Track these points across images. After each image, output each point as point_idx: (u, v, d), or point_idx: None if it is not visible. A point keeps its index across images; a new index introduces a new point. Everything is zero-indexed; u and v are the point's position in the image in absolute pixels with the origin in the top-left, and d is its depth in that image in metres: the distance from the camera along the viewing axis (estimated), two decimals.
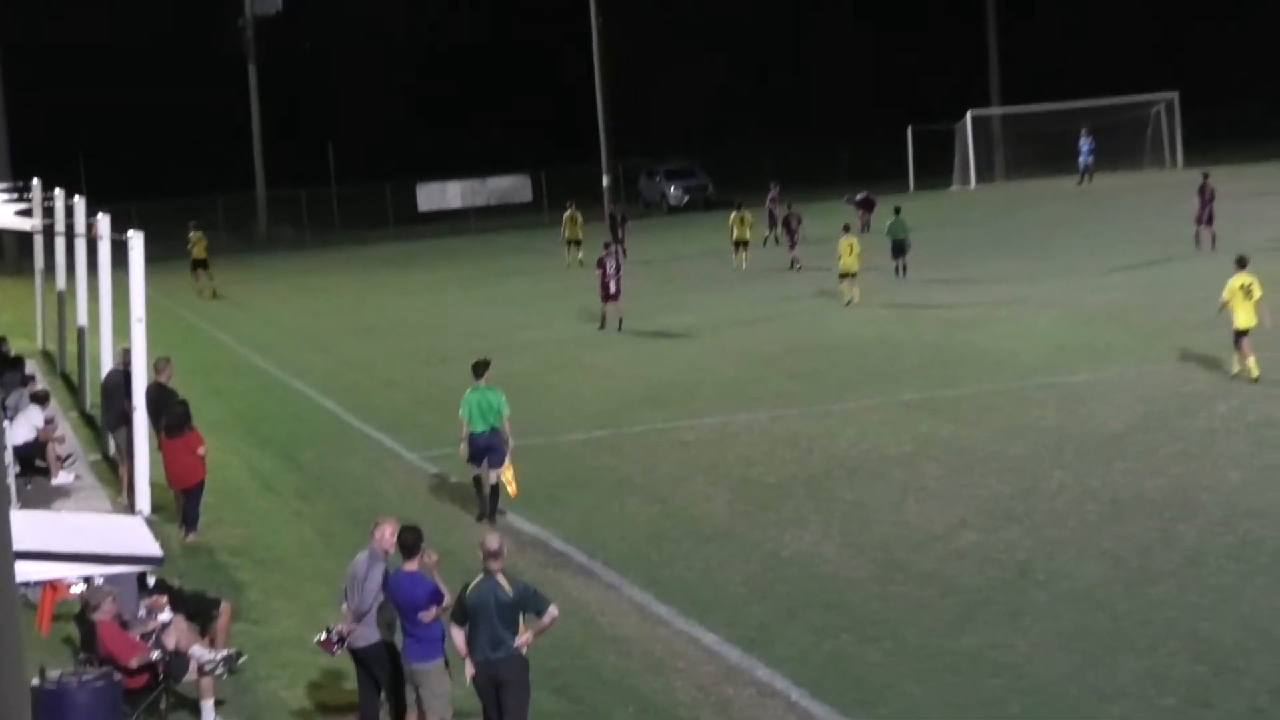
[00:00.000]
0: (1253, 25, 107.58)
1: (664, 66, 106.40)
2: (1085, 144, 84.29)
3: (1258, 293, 31.15)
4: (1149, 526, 22.16)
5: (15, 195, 47.23)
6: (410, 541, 16.14)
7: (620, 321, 44.42)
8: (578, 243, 63.53)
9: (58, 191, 43.66)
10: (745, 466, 27.52)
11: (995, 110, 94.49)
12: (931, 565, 21.28)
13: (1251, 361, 31.02)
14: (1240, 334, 31.13)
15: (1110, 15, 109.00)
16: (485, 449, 25.21)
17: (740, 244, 58.31)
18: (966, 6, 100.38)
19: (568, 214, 64.62)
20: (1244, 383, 30.80)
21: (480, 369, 25.48)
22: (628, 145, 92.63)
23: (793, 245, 57.70)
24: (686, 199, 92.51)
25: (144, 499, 25.64)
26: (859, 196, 67.58)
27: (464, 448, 25.38)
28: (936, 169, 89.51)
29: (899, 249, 50.66)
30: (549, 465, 28.79)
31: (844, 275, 46.39)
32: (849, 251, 46.29)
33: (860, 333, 40.81)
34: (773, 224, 65.47)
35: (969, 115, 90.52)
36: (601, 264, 45.12)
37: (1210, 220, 51.39)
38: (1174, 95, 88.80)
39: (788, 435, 29.68)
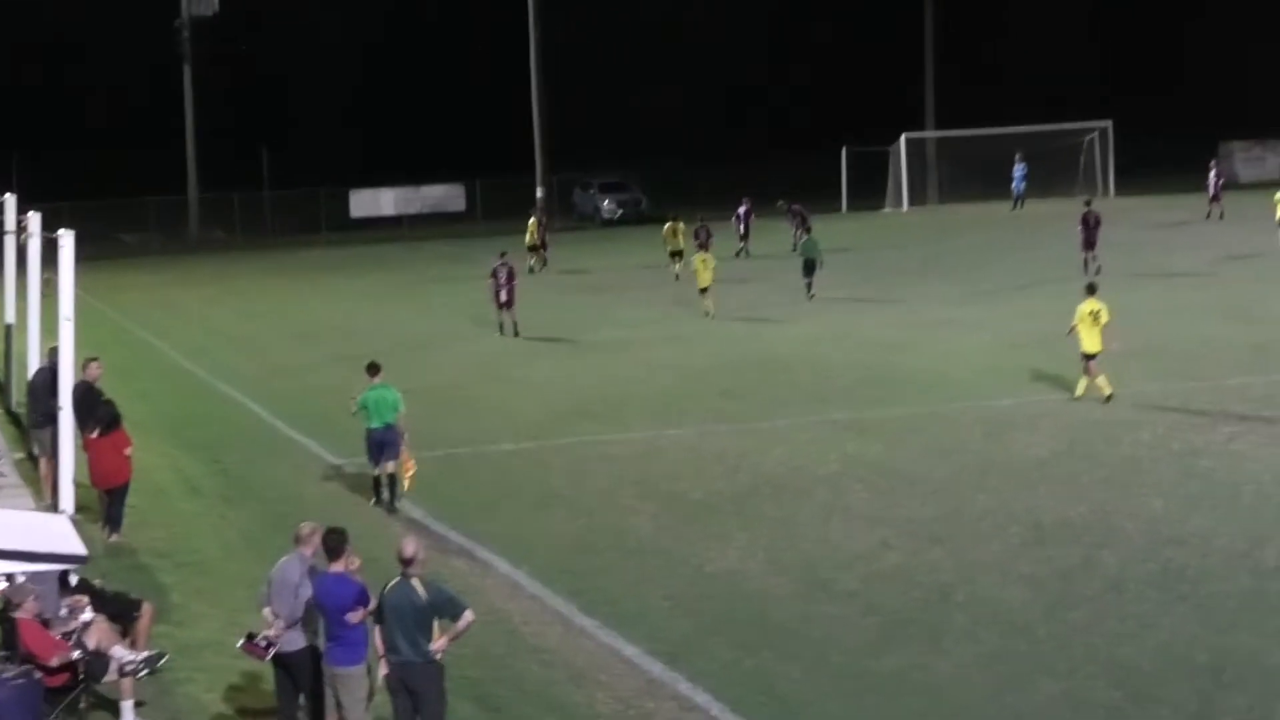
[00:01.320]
0: (1187, 59, 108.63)
1: (599, 80, 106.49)
2: (1019, 170, 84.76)
3: (1105, 318, 32.70)
4: (1071, 552, 22.32)
5: None
6: (335, 544, 16.13)
7: (515, 327, 45.97)
8: (535, 249, 64.96)
9: None
10: (672, 482, 27.59)
11: (929, 134, 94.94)
12: (854, 585, 21.39)
13: (1102, 380, 32.48)
14: (1087, 357, 32.63)
15: (1047, 43, 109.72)
16: (381, 444, 26.53)
17: (675, 254, 59.54)
18: (903, 29, 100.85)
19: (531, 221, 65.95)
20: (1107, 404, 31.50)
21: (374, 369, 27.16)
22: (562, 159, 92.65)
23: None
24: (620, 213, 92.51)
25: (68, 498, 25.52)
26: (796, 206, 67.55)
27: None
28: (870, 190, 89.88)
29: (809, 268, 51.50)
30: (476, 475, 28.86)
31: (702, 290, 48.31)
32: (704, 266, 48.67)
33: (791, 351, 40.94)
34: (742, 237, 66.38)
35: (903, 138, 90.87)
36: (495, 273, 46.66)
37: (1093, 246, 53.19)
38: (1108, 124, 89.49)
39: (715, 452, 29.76)
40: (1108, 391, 32.32)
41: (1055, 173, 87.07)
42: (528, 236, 65.05)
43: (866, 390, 35.14)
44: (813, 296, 50.52)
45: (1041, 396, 33.39)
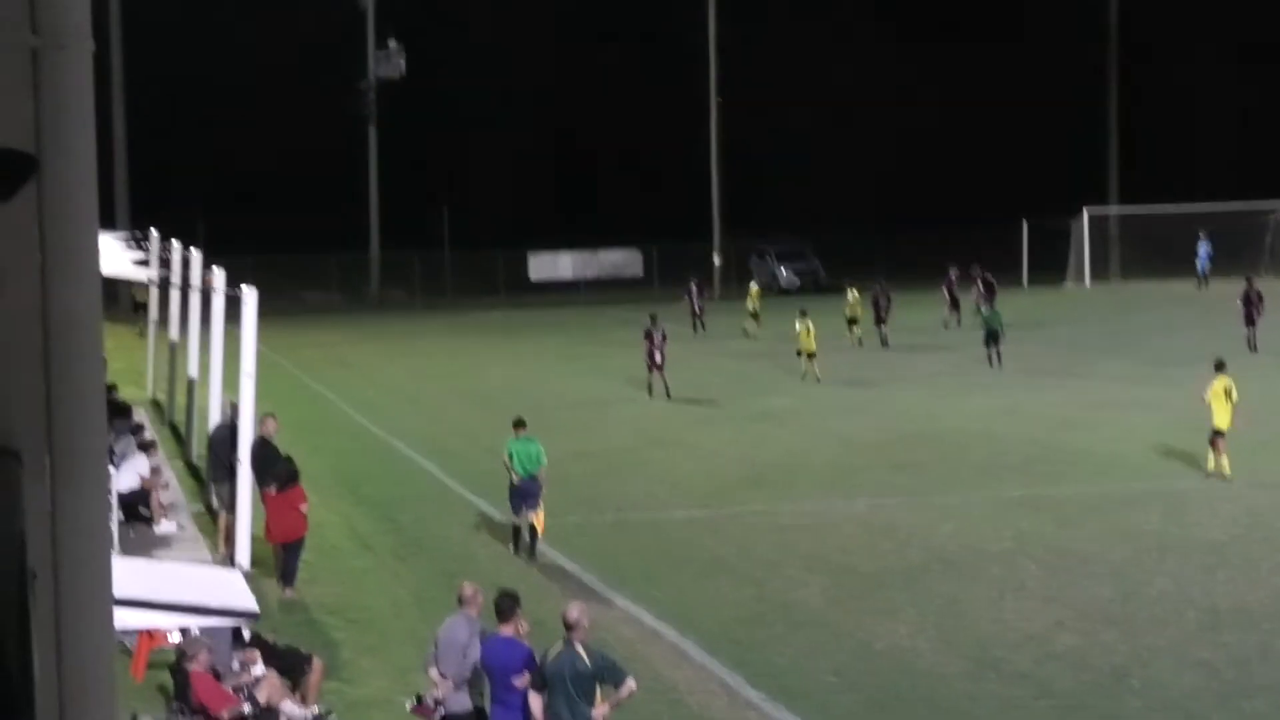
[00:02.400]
0: None
1: (778, 148, 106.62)
2: (1203, 248, 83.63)
3: (1235, 396, 32.74)
4: (1248, 639, 21.85)
5: (133, 245, 47.82)
6: (506, 606, 16.16)
7: (667, 389, 46.81)
8: (755, 315, 67.00)
9: (175, 243, 44.19)
10: (842, 554, 27.39)
11: (1113, 209, 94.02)
12: (1026, 666, 21.06)
13: (1225, 461, 32.44)
14: (1218, 433, 32.58)
15: (1233, 119, 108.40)
16: (523, 493, 27.64)
17: (851, 321, 61.00)
18: (1087, 102, 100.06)
19: (754, 288, 69.25)
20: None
21: (519, 424, 28.41)
22: (739, 225, 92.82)
23: (880, 321, 60.87)
24: (798, 283, 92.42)
25: (244, 553, 25.80)
26: (987, 276, 67.85)
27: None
28: (1051, 265, 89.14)
29: (992, 338, 51.90)
30: (645, 541, 28.82)
31: (806, 354, 50.53)
32: (806, 333, 50.61)
33: (965, 426, 40.58)
34: (952, 306, 67.21)
35: (1085, 213, 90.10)
36: (649, 335, 47.86)
37: (1253, 322, 54.57)
38: None
39: (886, 525, 29.53)
40: (1228, 473, 32.34)
41: (1241, 251, 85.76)
42: (750, 303, 67.27)
43: (1041, 467, 34.73)
44: (997, 366, 50.87)
45: (1221, 479, 32.77)
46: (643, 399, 47.11)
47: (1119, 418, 41.21)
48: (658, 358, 47.30)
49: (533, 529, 27.55)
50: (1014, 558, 26.82)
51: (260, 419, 27.46)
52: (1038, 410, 42.80)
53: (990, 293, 64.80)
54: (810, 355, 50.21)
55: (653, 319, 48.96)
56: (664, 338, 47.73)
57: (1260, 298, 54.19)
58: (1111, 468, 34.49)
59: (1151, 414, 41.66)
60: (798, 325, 51.28)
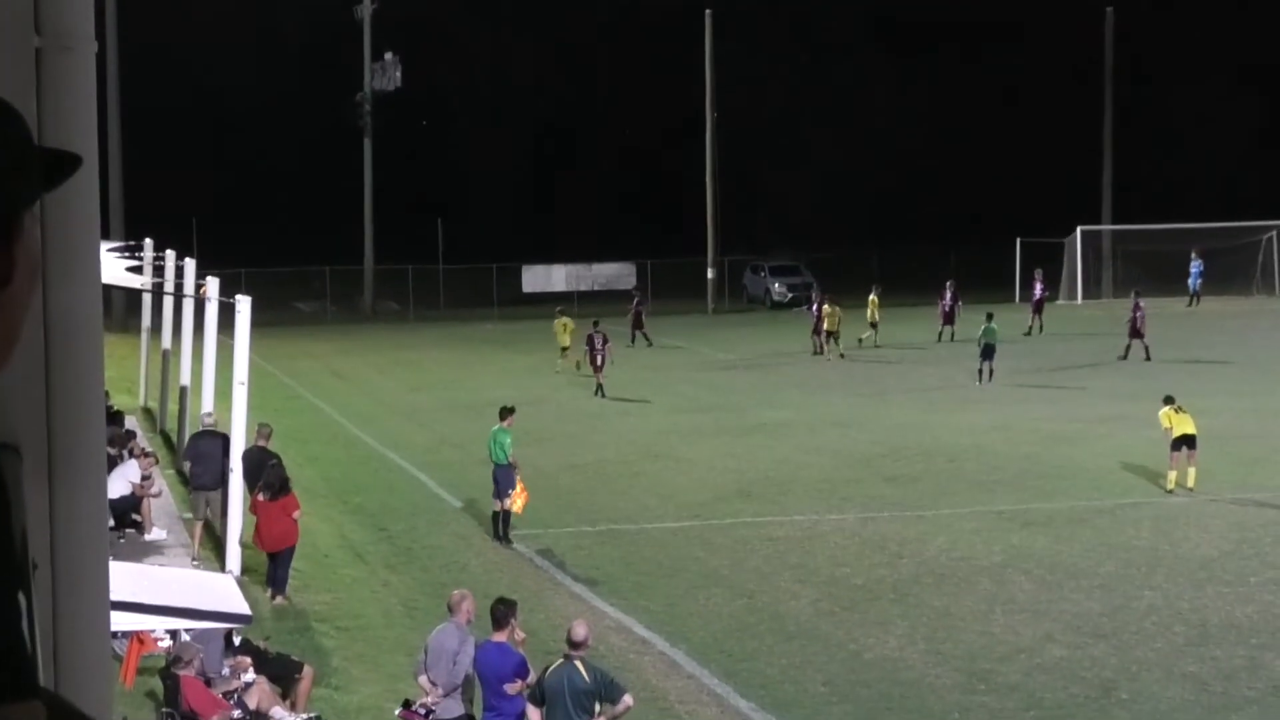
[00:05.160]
0: None
1: (773, 164, 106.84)
2: (1195, 266, 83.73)
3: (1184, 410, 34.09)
4: (1236, 653, 21.96)
5: (127, 253, 47.84)
6: (501, 614, 16.27)
7: (602, 389, 50.25)
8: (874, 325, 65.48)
9: (169, 252, 44.21)
10: (833, 566, 27.49)
11: (1106, 227, 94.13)
12: (1016, 678, 21.16)
13: (1193, 471, 33.12)
14: (1182, 441, 33.30)
15: (1228, 138, 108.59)
16: (495, 480, 29.62)
17: (830, 335, 61.65)
18: (1082, 122, 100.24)
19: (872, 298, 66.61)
20: None
21: (504, 413, 30.49)
22: (733, 240, 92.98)
23: (825, 334, 62.04)
24: (790, 296, 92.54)
25: (235, 559, 25.89)
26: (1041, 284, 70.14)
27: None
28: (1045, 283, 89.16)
29: (988, 353, 51.87)
30: (637, 552, 28.90)
31: (563, 349, 57.16)
32: (563, 330, 58.09)
33: (958, 440, 40.65)
34: (947, 321, 66.65)
35: (1079, 231, 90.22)
36: (590, 340, 51.72)
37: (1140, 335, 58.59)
38: None
39: (878, 538, 29.62)
40: (1190, 484, 33.05)
41: (1233, 270, 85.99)
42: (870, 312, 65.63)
43: (1033, 482, 34.82)
44: (988, 381, 51.01)
45: (1212, 495, 32.89)
46: (636, 410, 47.18)
47: (1110, 434, 41.28)
48: (599, 360, 50.84)
49: (507, 515, 29.24)
50: (1004, 571, 26.93)
51: (258, 429, 27.61)
52: (1029, 425, 42.86)
53: (1038, 308, 67.15)
54: (564, 349, 56.77)
55: (595, 324, 52.87)
56: (604, 340, 51.43)
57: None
58: (1102, 483, 34.58)
59: (1142, 430, 41.57)
60: (555, 324, 58.53)
